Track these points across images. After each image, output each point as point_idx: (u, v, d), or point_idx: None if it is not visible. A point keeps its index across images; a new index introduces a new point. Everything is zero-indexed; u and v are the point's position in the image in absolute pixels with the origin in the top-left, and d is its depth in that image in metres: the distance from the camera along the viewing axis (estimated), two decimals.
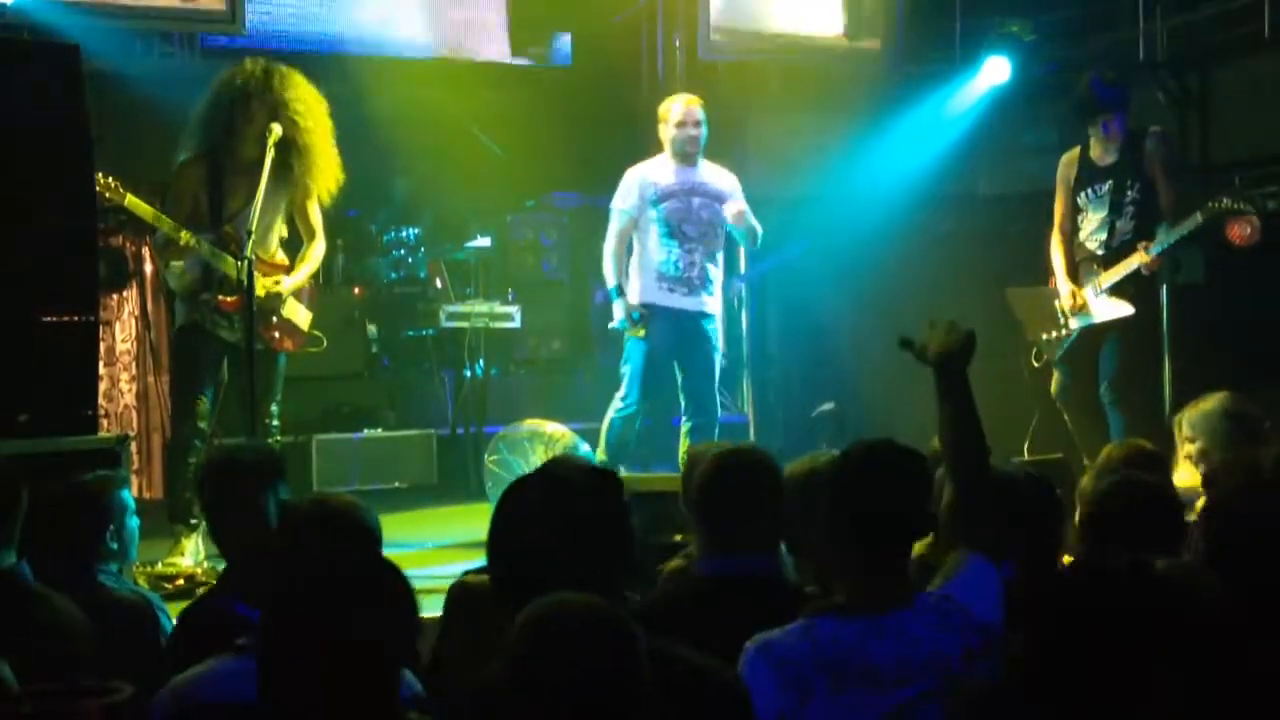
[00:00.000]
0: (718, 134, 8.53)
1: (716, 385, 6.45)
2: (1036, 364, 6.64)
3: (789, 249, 8.38)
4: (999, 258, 8.01)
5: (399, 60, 8.16)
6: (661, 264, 6.25)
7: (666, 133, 6.30)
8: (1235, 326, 7.28)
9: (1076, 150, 6.51)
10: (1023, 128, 8.34)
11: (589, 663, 1.90)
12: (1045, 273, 6.71)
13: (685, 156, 6.29)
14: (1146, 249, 6.20)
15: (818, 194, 8.11)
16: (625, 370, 6.31)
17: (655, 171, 6.32)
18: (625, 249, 6.35)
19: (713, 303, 6.37)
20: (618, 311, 6.32)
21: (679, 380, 6.39)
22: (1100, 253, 6.36)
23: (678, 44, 8.64)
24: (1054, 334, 6.52)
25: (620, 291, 6.30)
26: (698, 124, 6.28)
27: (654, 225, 6.27)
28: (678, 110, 6.28)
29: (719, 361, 6.46)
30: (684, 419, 6.40)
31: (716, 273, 6.39)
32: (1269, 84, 7.31)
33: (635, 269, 6.33)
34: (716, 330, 6.43)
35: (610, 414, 6.30)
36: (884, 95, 8.55)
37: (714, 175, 6.39)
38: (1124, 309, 6.29)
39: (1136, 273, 6.27)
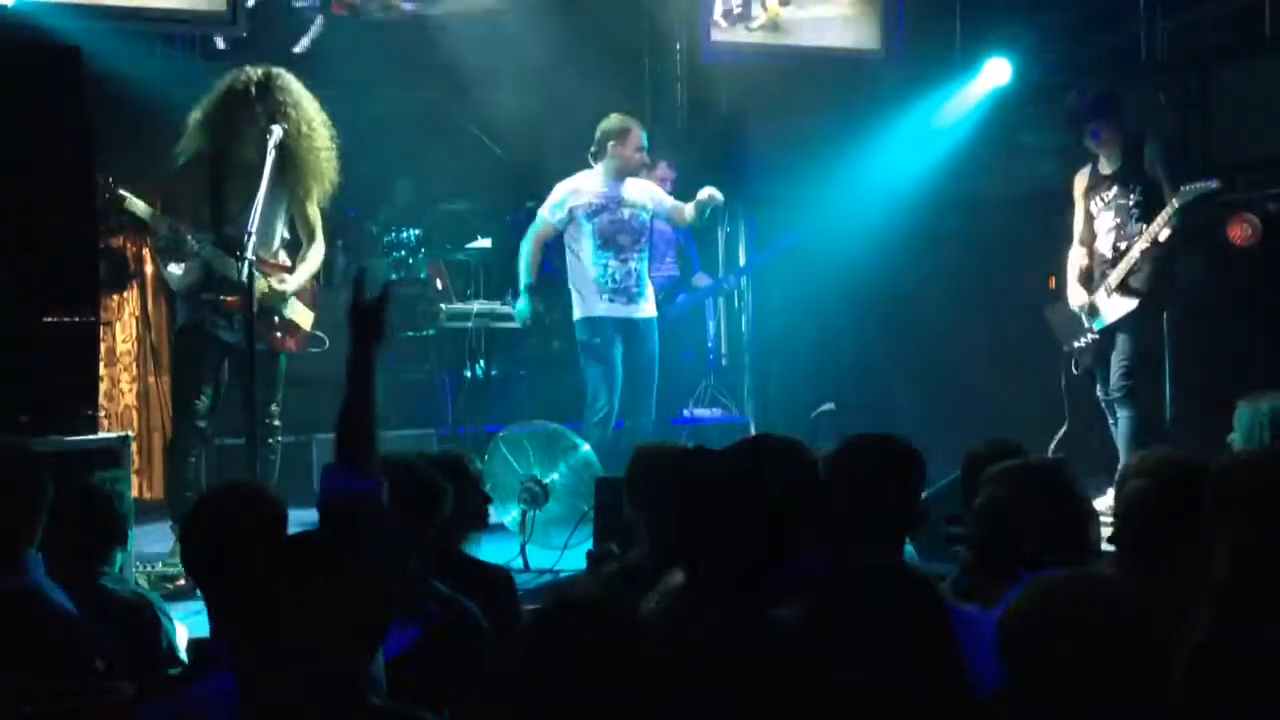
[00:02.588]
0: (718, 135, 8.60)
1: (655, 390, 6.68)
2: (1076, 372, 6.73)
3: (782, 240, 8.38)
4: (1000, 258, 8.01)
5: (399, 61, 8.16)
6: (599, 276, 6.52)
7: (618, 151, 6.49)
8: (1235, 326, 7.29)
9: (1089, 166, 6.62)
10: (1023, 129, 8.34)
11: (599, 662, 1.91)
12: (1048, 275, 6.76)
13: (623, 176, 6.54)
14: (1140, 236, 6.33)
15: (818, 195, 8.11)
16: (588, 378, 6.57)
17: (585, 186, 6.56)
18: (540, 253, 6.67)
19: (649, 307, 6.66)
20: (521, 304, 6.65)
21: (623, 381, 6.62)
22: (1110, 256, 6.51)
23: (678, 45, 8.64)
24: (1082, 341, 6.62)
25: (530, 290, 6.62)
26: (646, 153, 6.61)
27: (587, 239, 6.53)
28: (637, 137, 6.53)
29: (656, 369, 6.67)
30: (620, 424, 6.59)
31: (649, 279, 6.70)
32: (1269, 84, 7.31)
33: (577, 283, 6.60)
34: (655, 335, 6.68)
35: (586, 422, 6.49)
36: (884, 96, 8.56)
37: (636, 186, 6.64)
38: (1129, 304, 6.40)
39: (1143, 265, 6.35)
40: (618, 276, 6.53)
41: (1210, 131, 7.74)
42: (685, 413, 8.20)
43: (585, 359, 6.61)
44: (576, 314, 6.63)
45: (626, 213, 6.55)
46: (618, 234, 6.53)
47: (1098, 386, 6.65)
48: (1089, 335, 6.59)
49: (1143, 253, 6.33)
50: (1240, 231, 7.12)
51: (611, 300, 6.53)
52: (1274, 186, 7.30)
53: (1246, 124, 7.48)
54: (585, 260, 6.55)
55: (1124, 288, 6.42)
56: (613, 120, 6.58)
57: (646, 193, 6.67)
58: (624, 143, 6.49)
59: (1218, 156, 7.63)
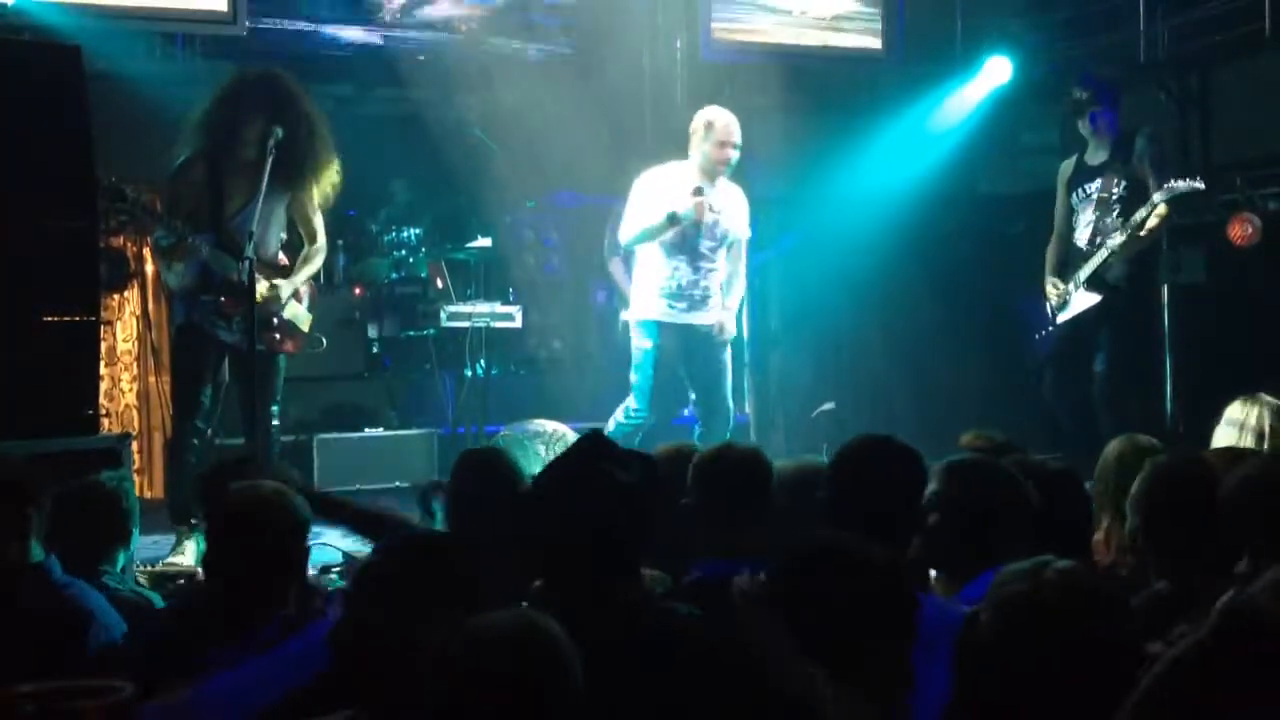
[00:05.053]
0: None
1: (728, 389, 6.31)
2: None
3: (783, 240, 8.38)
4: (999, 258, 8.02)
5: (399, 60, 8.16)
6: (665, 280, 5.98)
7: (703, 146, 5.90)
8: (1235, 326, 7.29)
9: (1075, 156, 6.58)
10: (1023, 128, 8.35)
11: (514, 685, 1.88)
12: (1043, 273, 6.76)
13: (714, 175, 5.95)
14: (1118, 232, 6.28)
15: (818, 194, 8.12)
16: (635, 378, 6.11)
17: (674, 179, 5.96)
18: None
19: (713, 315, 6.10)
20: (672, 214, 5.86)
21: (688, 387, 6.31)
22: (1086, 249, 6.44)
23: (678, 45, 8.64)
24: (1042, 333, 6.58)
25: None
26: (737, 146, 5.92)
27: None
28: (724, 130, 5.88)
29: (728, 367, 6.27)
30: (697, 423, 6.32)
31: (719, 287, 6.10)
32: (1269, 84, 7.31)
33: (639, 282, 6.11)
34: (723, 342, 6.20)
35: (618, 417, 6.14)
36: (885, 95, 8.56)
37: (731, 196, 6.09)
38: (1092, 299, 6.34)
39: (1120, 264, 6.31)
40: (684, 284, 5.96)
41: (1210, 131, 7.75)
42: (685, 412, 8.20)
43: (632, 361, 6.12)
44: (631, 316, 6.18)
45: (710, 217, 5.93)
46: (702, 239, 5.94)
47: (1046, 379, 6.57)
48: (1050, 328, 6.56)
49: (1115, 249, 6.26)
50: (1240, 231, 7.12)
51: (672, 306, 5.99)
52: (1274, 186, 7.30)
53: (1246, 124, 7.48)
54: (656, 261, 5.98)
55: (1092, 283, 6.35)
56: (700, 113, 5.99)
57: (736, 207, 6.06)
58: (708, 137, 5.90)
59: (1218, 156, 7.64)
